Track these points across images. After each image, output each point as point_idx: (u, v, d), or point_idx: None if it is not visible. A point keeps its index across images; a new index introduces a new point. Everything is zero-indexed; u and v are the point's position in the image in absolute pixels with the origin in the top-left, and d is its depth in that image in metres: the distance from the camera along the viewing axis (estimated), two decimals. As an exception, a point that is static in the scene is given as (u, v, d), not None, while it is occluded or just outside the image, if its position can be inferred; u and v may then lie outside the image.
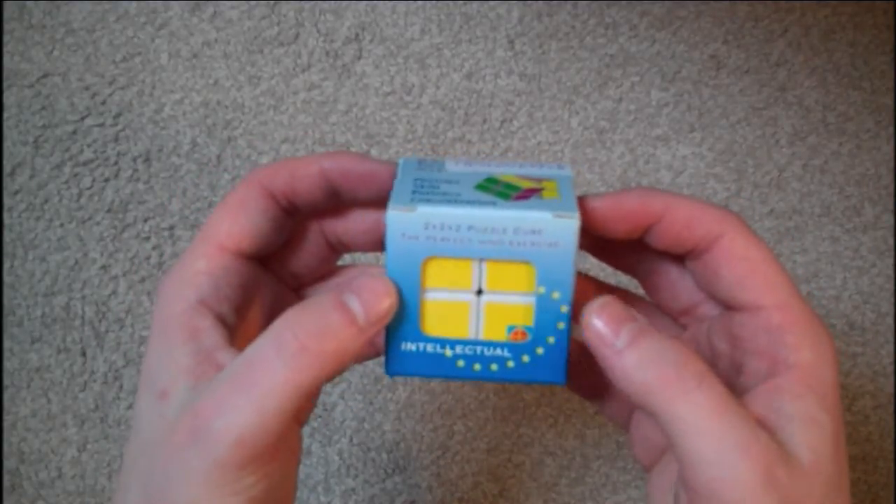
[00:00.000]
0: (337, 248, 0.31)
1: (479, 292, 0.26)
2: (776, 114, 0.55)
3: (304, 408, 0.30)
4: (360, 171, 0.28)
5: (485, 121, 0.52)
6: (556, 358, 0.26)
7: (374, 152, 0.51)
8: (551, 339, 0.26)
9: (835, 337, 0.56)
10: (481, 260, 0.26)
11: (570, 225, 0.25)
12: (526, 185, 0.27)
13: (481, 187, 0.27)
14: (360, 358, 0.33)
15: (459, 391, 0.52)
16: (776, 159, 0.55)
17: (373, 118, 0.51)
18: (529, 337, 0.26)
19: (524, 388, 0.53)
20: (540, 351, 0.26)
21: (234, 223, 0.27)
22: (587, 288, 0.31)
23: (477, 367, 0.27)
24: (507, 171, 0.29)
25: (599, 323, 0.25)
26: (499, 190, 0.27)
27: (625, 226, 0.27)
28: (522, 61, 0.53)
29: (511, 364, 0.27)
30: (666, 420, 0.23)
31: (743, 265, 0.26)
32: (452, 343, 0.27)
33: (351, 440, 0.51)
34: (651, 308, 0.31)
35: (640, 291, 0.31)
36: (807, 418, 0.24)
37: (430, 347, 0.27)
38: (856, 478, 0.56)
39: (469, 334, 0.27)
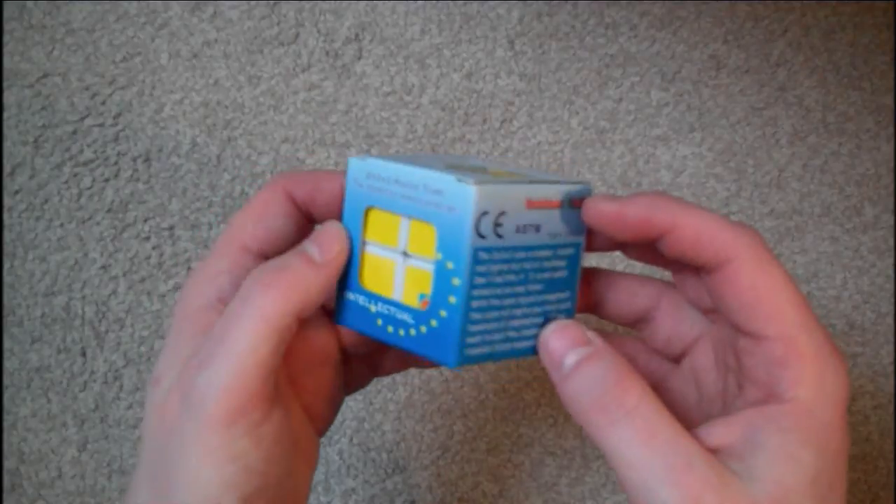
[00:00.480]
0: None
1: (406, 254, 0.27)
2: (776, 114, 0.55)
3: (323, 417, 0.30)
4: None
5: (485, 121, 0.52)
6: (446, 335, 0.25)
7: (374, 152, 0.51)
8: (443, 313, 0.25)
9: (835, 337, 0.56)
10: (409, 219, 0.26)
11: (467, 191, 0.24)
12: (494, 172, 0.27)
13: (454, 166, 0.27)
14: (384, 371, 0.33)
15: (459, 391, 0.52)
16: (776, 159, 0.55)
17: (373, 118, 0.51)
18: (429, 306, 0.26)
19: (524, 387, 0.53)
20: (434, 323, 0.25)
21: (258, 225, 0.28)
22: (609, 283, 0.30)
23: (390, 328, 0.27)
24: (507, 168, 0.29)
25: (553, 343, 0.26)
26: (466, 170, 0.27)
27: (628, 235, 0.26)
28: (522, 61, 0.53)
29: (413, 332, 0.26)
30: (599, 447, 0.24)
31: (749, 294, 0.25)
32: (376, 299, 0.27)
33: (351, 440, 0.51)
34: (679, 301, 0.30)
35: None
36: (781, 453, 0.23)
37: (361, 300, 0.27)
38: (856, 478, 0.56)
39: (393, 295, 0.27)
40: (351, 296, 0.27)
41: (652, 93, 0.54)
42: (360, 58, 0.51)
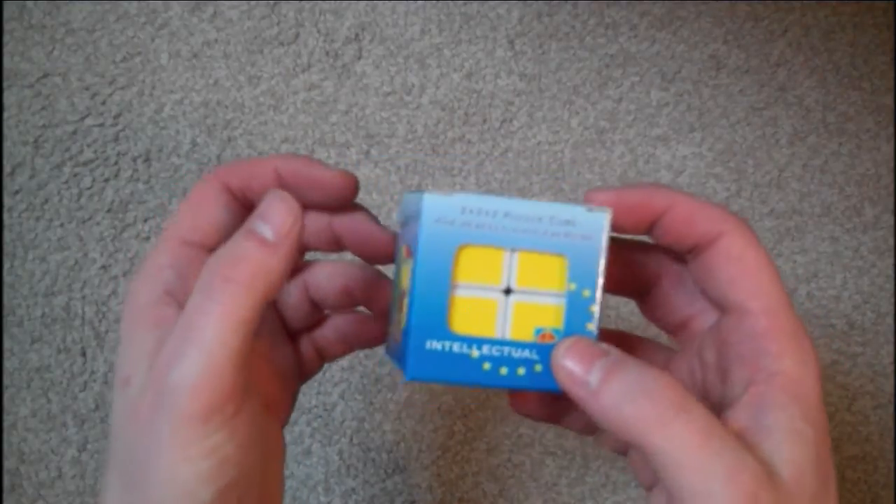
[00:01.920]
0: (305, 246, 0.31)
1: (508, 291, 0.26)
2: (776, 114, 0.55)
3: (281, 407, 0.30)
4: (307, 175, 0.28)
5: (485, 121, 0.52)
6: None
7: (374, 152, 0.51)
8: None
9: (835, 337, 0.56)
10: (513, 252, 0.26)
11: (602, 217, 0.26)
12: None
13: None
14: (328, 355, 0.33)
15: (460, 391, 0.52)
16: (776, 159, 0.55)
17: (373, 118, 0.51)
18: (557, 340, 0.26)
19: (524, 388, 0.53)
20: None
21: (196, 218, 0.28)
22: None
23: (504, 370, 0.26)
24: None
25: (570, 363, 0.25)
26: None
27: (628, 219, 0.27)
28: (522, 61, 0.53)
29: (539, 368, 0.26)
30: (650, 454, 0.23)
31: (736, 266, 0.26)
32: (479, 342, 0.26)
33: (351, 440, 0.51)
34: (646, 343, 0.31)
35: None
36: (789, 430, 0.23)
37: (456, 347, 0.25)
38: (856, 478, 0.56)
39: (496, 334, 0.26)
40: (436, 344, 0.25)
41: (652, 93, 0.54)
42: (360, 58, 0.51)
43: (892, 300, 0.56)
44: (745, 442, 0.24)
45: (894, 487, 0.57)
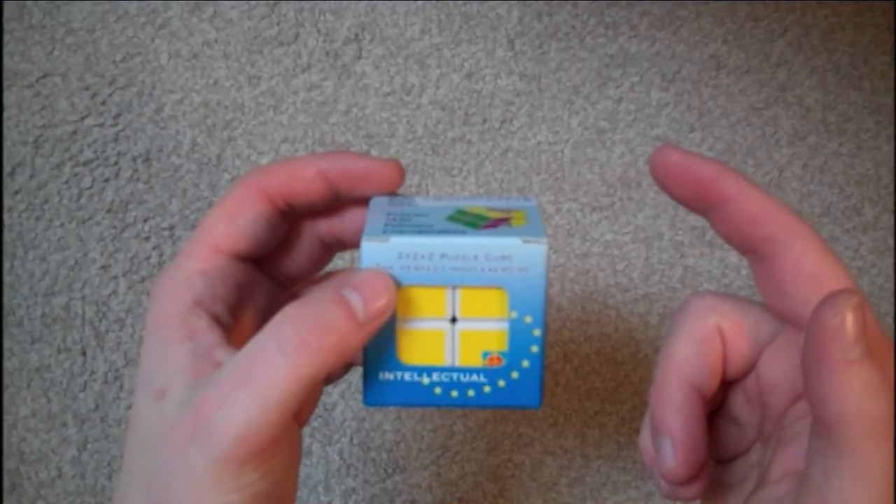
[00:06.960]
0: (333, 247, 0.31)
1: (454, 320, 0.27)
2: (776, 114, 0.55)
3: (304, 407, 0.30)
4: (358, 169, 0.28)
5: (485, 121, 0.52)
6: (530, 381, 0.27)
7: (374, 152, 0.51)
8: (525, 363, 0.27)
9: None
10: (454, 287, 0.26)
11: (539, 250, 0.26)
12: (494, 215, 0.28)
13: (452, 219, 0.28)
14: (358, 360, 0.32)
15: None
16: (776, 159, 0.55)
17: (373, 118, 0.51)
18: (504, 362, 0.27)
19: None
20: (515, 375, 0.27)
21: (230, 225, 0.27)
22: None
23: (454, 393, 0.27)
24: (475, 204, 0.29)
25: (847, 320, 0.21)
26: (468, 220, 0.28)
27: (687, 191, 0.25)
28: (522, 61, 0.53)
29: (487, 389, 0.27)
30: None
31: (809, 283, 0.23)
32: (429, 371, 0.27)
33: (351, 440, 0.51)
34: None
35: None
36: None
37: (407, 376, 0.27)
38: (856, 478, 0.56)
39: (445, 361, 0.27)
40: (388, 375, 0.27)
41: (652, 93, 0.54)
42: (360, 58, 0.51)
43: (893, 300, 0.56)
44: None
45: (894, 487, 0.57)
